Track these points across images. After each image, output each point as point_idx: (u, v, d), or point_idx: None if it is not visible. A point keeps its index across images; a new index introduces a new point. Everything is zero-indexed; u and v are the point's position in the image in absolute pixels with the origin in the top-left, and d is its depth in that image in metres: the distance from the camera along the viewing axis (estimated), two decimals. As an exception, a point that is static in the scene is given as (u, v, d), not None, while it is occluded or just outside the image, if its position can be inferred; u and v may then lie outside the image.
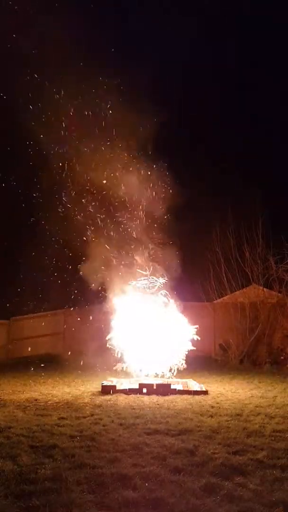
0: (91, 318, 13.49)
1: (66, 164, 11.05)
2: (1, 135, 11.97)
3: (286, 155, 21.69)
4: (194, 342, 10.14)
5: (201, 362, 12.88)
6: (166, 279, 10.69)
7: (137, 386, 8.89)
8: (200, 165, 20.20)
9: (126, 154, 11.24)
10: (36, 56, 10.77)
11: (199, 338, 10.11)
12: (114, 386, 8.94)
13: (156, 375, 10.05)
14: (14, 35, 10.47)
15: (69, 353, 14.49)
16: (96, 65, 10.90)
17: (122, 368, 10.33)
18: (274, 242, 15.12)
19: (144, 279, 10.60)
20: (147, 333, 10.11)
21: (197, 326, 10.22)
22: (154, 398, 8.19)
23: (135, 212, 11.28)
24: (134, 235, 11.13)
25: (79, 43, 10.86)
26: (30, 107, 10.75)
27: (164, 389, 8.76)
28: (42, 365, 12.99)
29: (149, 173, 11.18)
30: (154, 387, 8.80)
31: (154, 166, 11.26)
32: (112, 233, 11.10)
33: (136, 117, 10.85)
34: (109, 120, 11.18)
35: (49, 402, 7.83)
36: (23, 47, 10.44)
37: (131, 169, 11.11)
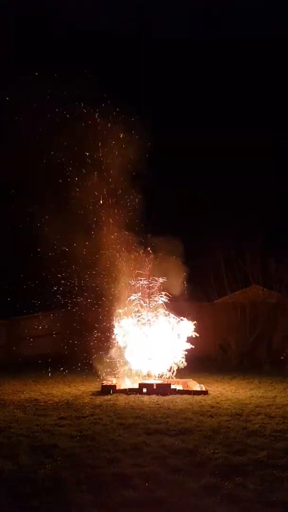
0: (91, 318, 13.47)
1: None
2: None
3: (286, 154, 21.66)
4: (194, 342, 10.12)
5: (201, 362, 12.85)
6: (166, 279, 10.67)
7: (137, 386, 8.89)
8: (200, 165, 20.22)
9: None
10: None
11: (197, 335, 10.09)
12: (114, 386, 8.94)
13: (156, 376, 10.04)
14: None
15: (69, 353, 14.46)
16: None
17: (123, 368, 10.32)
18: (274, 242, 15.12)
19: (144, 279, 10.58)
20: (147, 333, 10.10)
21: (195, 322, 10.20)
22: (154, 398, 8.19)
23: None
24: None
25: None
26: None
27: (164, 389, 8.76)
28: (42, 365, 12.94)
29: None
30: (154, 387, 8.79)
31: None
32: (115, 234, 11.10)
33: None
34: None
35: (49, 402, 7.83)
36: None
37: None
